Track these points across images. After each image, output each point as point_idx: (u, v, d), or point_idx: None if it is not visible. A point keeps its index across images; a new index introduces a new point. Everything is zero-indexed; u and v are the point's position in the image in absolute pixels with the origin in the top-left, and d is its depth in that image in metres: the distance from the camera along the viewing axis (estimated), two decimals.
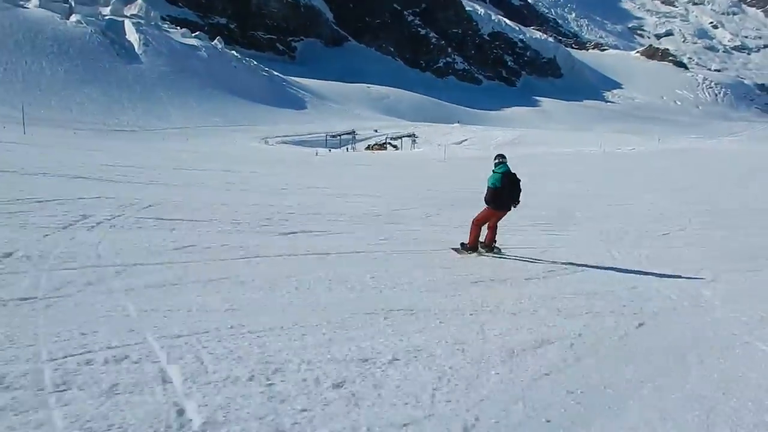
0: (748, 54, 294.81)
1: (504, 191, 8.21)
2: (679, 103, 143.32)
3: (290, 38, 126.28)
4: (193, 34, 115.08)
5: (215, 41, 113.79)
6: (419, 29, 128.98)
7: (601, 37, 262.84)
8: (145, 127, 71.35)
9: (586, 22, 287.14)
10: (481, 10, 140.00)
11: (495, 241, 8.46)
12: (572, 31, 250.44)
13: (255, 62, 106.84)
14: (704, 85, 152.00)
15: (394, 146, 41.33)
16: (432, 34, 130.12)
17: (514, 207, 8.41)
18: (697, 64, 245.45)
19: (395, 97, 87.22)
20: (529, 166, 23.30)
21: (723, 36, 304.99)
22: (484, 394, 3.32)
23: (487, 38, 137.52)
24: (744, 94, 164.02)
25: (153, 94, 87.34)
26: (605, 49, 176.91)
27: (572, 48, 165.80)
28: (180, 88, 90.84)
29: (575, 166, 32.84)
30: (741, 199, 18.47)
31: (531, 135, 51.92)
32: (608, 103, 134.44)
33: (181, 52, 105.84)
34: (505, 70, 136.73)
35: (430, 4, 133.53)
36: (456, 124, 44.19)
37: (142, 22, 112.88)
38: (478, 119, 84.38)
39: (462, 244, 8.41)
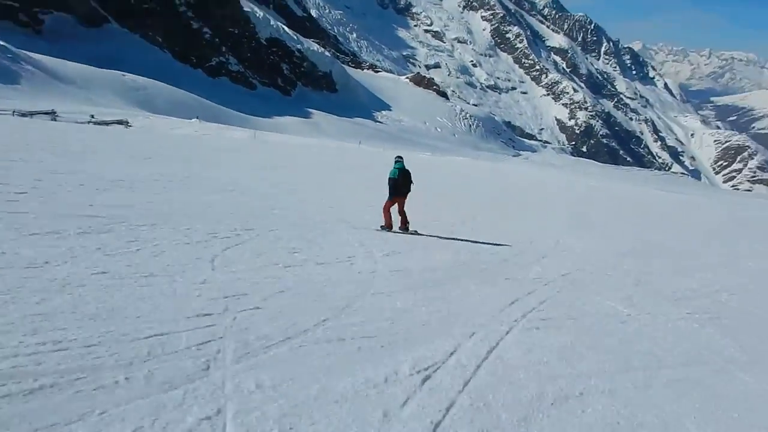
0: (499, 93, 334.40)
1: (398, 181, 11.58)
2: (439, 129, 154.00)
3: (36, 9, 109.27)
4: None
5: None
6: (192, 22, 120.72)
7: (378, 60, 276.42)
8: None
9: (366, 44, 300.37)
10: (260, 14, 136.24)
11: (408, 223, 11.82)
12: (351, 50, 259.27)
13: None
14: (461, 115, 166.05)
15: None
16: (206, 30, 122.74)
17: (404, 195, 11.79)
18: (458, 96, 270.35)
19: (153, 90, 79.17)
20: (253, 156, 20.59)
21: (481, 75, 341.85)
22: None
23: (265, 43, 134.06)
24: (493, 128, 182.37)
25: None
26: (378, 71, 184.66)
27: (349, 66, 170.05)
28: None
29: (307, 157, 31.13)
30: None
31: (268, 135, 51.43)
32: (378, 123, 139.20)
33: None
34: (281, 78, 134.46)
35: None
36: (194, 120, 40.32)
37: None
38: (248, 124, 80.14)
39: (381, 226, 11.69)
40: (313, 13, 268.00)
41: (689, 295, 9.56)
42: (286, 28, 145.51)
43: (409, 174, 11.76)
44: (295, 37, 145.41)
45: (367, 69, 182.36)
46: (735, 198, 69.23)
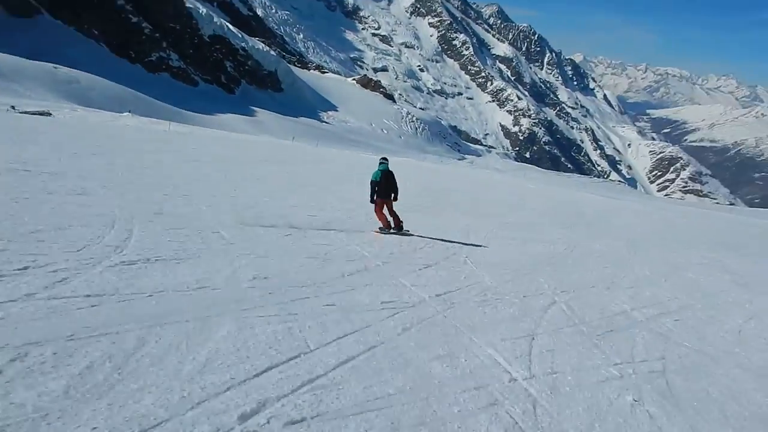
0: (446, 98, 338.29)
1: (380, 184, 11.31)
2: (386, 132, 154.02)
3: None
4: None
5: None
6: (131, 16, 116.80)
7: (325, 61, 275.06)
8: None
9: (313, 45, 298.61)
10: (203, 10, 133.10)
11: (402, 222, 11.71)
12: (298, 50, 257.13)
13: None
14: (408, 118, 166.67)
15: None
16: (145, 25, 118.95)
17: (393, 199, 11.56)
18: (405, 100, 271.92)
19: (87, 84, 75.85)
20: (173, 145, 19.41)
21: (428, 79, 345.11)
22: None
23: (208, 40, 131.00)
24: (439, 131, 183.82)
25: None
26: (325, 72, 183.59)
27: (295, 66, 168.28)
28: None
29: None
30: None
31: (190, 127, 50.21)
32: (323, 123, 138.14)
33: None
34: (225, 75, 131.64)
35: None
36: (126, 113, 38.49)
37: None
38: (189, 120, 77.81)
39: (380, 228, 11.50)
40: (259, 12, 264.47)
41: (619, 325, 7.50)
42: (230, 26, 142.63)
43: (393, 176, 11.49)
44: (240, 35, 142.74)
45: (314, 70, 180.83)
46: (668, 205, 71.93)
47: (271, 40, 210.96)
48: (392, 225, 11.56)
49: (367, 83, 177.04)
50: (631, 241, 16.83)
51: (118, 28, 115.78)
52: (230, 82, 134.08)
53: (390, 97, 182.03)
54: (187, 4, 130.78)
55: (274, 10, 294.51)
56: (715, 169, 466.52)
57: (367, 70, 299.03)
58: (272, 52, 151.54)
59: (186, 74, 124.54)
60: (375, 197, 11.32)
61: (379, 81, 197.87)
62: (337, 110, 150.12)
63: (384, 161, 11.51)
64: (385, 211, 11.47)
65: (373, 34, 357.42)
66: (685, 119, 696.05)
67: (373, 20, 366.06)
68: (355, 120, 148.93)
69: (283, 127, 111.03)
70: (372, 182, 11.24)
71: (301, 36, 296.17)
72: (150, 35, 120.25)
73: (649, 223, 26.51)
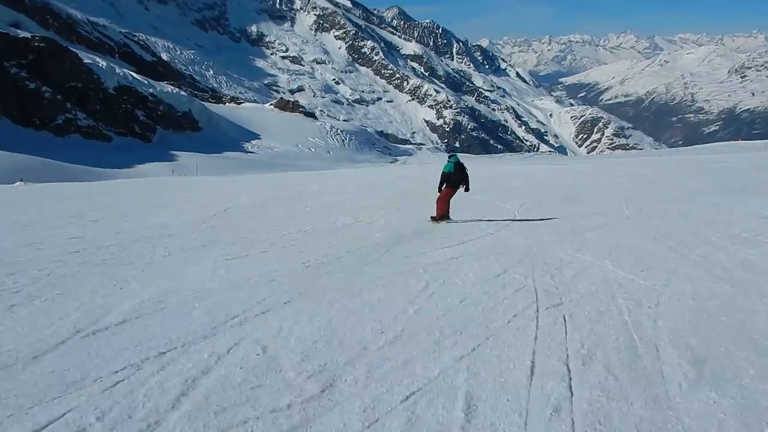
0: (367, 106, 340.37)
1: (453, 175, 12.28)
2: (313, 150, 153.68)
3: None
4: None
5: None
6: (27, 83, 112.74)
7: (240, 92, 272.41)
8: None
9: (225, 79, 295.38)
10: (102, 63, 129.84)
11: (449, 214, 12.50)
12: (210, 86, 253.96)
13: None
14: (332, 132, 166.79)
15: None
16: (45, 88, 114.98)
17: (465, 190, 12.63)
18: (327, 115, 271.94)
19: None
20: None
21: (345, 91, 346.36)
22: None
23: (113, 92, 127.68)
24: (367, 139, 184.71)
25: None
26: (241, 102, 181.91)
27: (209, 102, 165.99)
28: None
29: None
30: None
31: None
32: (248, 154, 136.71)
33: None
34: (138, 125, 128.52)
35: (39, 56, 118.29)
36: (18, 183, 36.87)
37: None
38: (102, 177, 75.24)
39: (432, 217, 12.37)
40: (164, 56, 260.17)
41: None
42: (134, 74, 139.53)
43: (465, 168, 12.56)
44: (146, 82, 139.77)
45: (229, 102, 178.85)
46: (603, 159, 74.92)
47: (181, 81, 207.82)
48: (449, 215, 12.45)
49: (285, 106, 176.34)
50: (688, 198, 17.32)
51: (17, 98, 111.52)
52: (145, 130, 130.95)
53: (311, 114, 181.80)
54: (86, 60, 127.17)
55: (179, 52, 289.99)
56: (635, 121, 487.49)
57: (284, 93, 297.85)
58: (183, 93, 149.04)
59: (97, 131, 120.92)
60: (443, 187, 12.34)
61: (297, 101, 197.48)
62: (260, 138, 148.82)
63: (453, 154, 12.72)
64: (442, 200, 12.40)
65: (283, 57, 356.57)
66: (597, 80, 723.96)
67: (280, 44, 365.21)
68: (280, 144, 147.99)
69: (208, 165, 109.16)
70: (444, 174, 12.27)
71: (211, 72, 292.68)
72: (52, 98, 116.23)
73: (632, 184, 27.39)
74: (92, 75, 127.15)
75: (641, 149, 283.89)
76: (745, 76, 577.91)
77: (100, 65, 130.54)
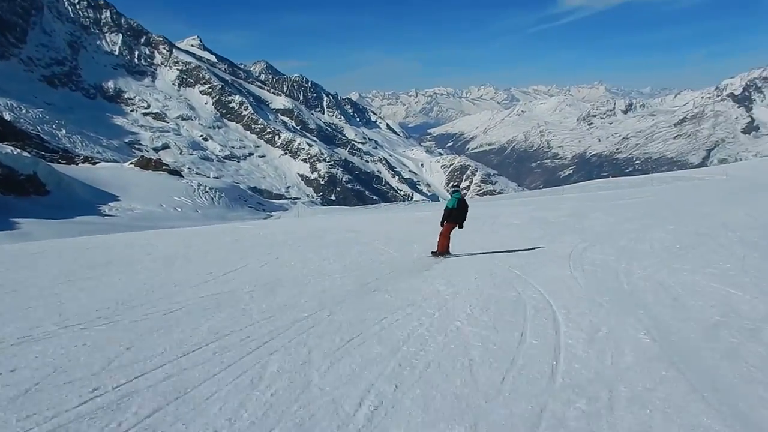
0: (238, 162, 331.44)
1: (455, 211, 12.63)
2: (179, 209, 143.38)
3: None
4: None
5: None
6: None
7: (98, 152, 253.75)
8: None
9: (80, 138, 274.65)
10: None
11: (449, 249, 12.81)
12: (62, 146, 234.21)
13: None
14: (200, 190, 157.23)
15: None
16: None
17: (459, 227, 12.82)
18: (197, 173, 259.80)
19: None
20: None
21: (214, 147, 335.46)
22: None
23: None
24: (238, 195, 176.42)
25: None
26: (97, 162, 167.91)
27: (59, 163, 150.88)
28: None
29: None
30: None
31: None
32: (106, 217, 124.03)
33: None
34: None
35: None
36: None
37: None
38: None
39: (432, 252, 12.57)
40: (6, 116, 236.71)
41: None
42: None
43: (466, 204, 12.96)
44: None
45: (83, 163, 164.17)
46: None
47: (26, 142, 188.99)
48: (449, 250, 12.61)
49: (147, 164, 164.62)
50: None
51: None
52: None
53: (176, 172, 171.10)
54: None
55: (24, 111, 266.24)
56: (499, 168, 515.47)
57: (148, 150, 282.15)
58: (26, 154, 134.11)
59: None
60: (445, 222, 12.64)
61: (160, 159, 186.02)
62: (119, 200, 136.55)
63: (457, 189, 13.23)
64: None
65: (145, 114, 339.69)
66: (462, 130, 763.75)
67: (140, 100, 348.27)
68: (142, 205, 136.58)
69: (57, 232, 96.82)
70: (447, 209, 12.58)
71: (64, 131, 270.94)
72: None
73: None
74: None
75: (507, 193, 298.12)
76: (591, 123, 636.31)
77: None
